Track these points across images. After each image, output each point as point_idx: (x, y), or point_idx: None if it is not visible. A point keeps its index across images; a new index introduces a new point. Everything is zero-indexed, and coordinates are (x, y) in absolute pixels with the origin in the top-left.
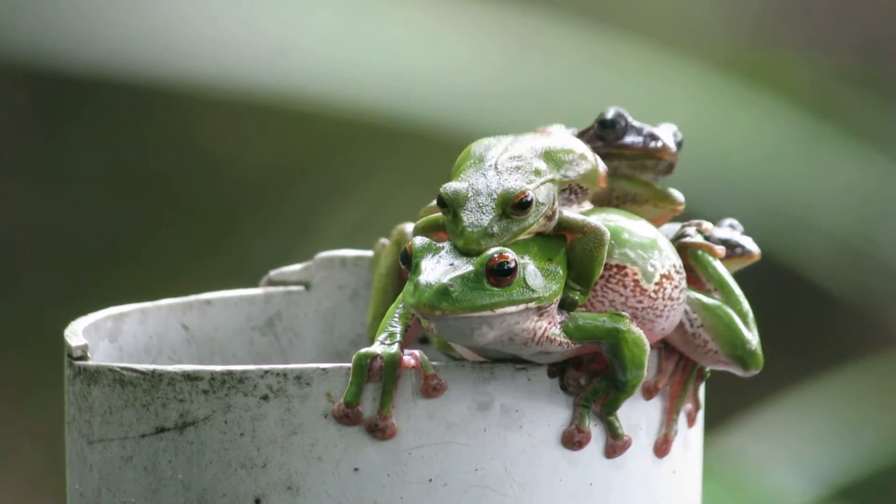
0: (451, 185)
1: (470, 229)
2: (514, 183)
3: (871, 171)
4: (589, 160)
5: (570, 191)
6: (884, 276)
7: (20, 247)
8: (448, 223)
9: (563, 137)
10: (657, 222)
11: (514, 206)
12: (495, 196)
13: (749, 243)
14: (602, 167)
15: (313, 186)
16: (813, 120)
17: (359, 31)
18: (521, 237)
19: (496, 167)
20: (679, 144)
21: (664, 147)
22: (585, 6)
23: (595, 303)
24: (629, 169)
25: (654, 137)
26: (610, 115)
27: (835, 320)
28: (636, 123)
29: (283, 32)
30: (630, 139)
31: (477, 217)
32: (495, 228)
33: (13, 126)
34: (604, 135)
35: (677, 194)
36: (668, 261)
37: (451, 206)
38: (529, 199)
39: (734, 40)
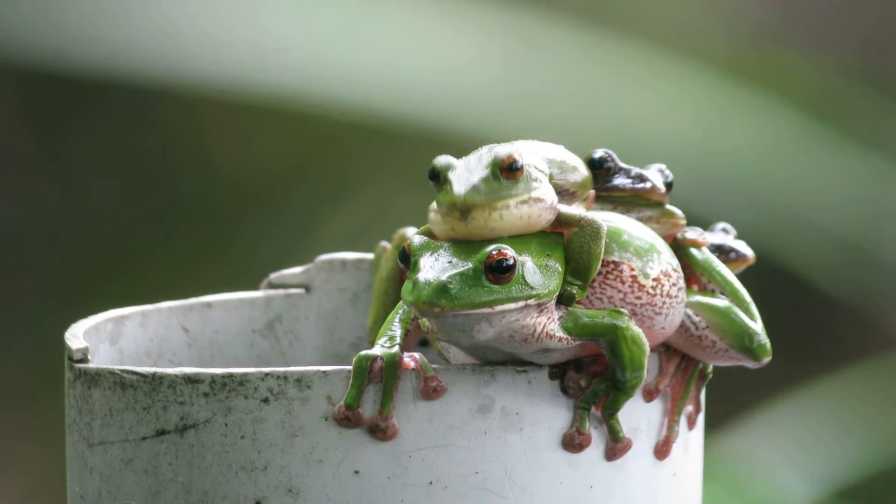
0: (443, 156)
1: (457, 185)
2: (507, 150)
3: (871, 171)
4: (581, 172)
5: (560, 193)
6: (884, 278)
7: (21, 249)
8: (437, 192)
9: (557, 148)
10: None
11: (503, 167)
12: (486, 161)
13: (743, 247)
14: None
15: (314, 189)
16: (813, 120)
17: (361, 32)
18: (518, 231)
19: (490, 149)
20: (669, 185)
21: (653, 188)
22: (586, 8)
23: (594, 299)
24: (619, 210)
25: (642, 179)
26: (597, 155)
27: (834, 322)
28: (624, 165)
29: (285, 34)
30: (619, 181)
31: (465, 176)
32: (483, 186)
33: (14, 127)
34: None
35: (677, 211)
36: (665, 260)
37: (441, 172)
38: (520, 164)
39: (734, 41)
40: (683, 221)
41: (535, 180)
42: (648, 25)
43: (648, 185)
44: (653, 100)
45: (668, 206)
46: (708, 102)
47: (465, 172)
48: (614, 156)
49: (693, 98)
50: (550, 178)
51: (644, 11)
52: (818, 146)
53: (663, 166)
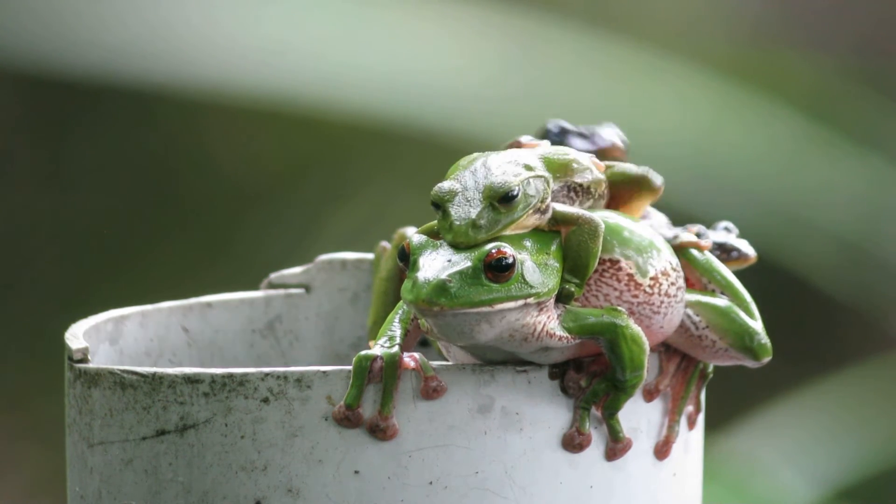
0: (441, 185)
1: (458, 222)
2: (501, 177)
3: (871, 171)
4: (595, 174)
5: (572, 190)
6: (884, 278)
7: (21, 249)
8: (439, 221)
9: (567, 149)
10: (639, 206)
11: (499, 200)
12: (482, 189)
13: (745, 246)
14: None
15: (314, 190)
16: (812, 120)
17: (360, 35)
18: (514, 230)
19: (486, 164)
20: (624, 143)
21: (613, 146)
22: (585, 9)
23: (590, 297)
24: None
25: (598, 137)
26: (553, 127)
27: (835, 322)
28: (576, 128)
29: (283, 37)
30: (577, 143)
31: (465, 210)
32: (483, 221)
33: (15, 130)
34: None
35: (654, 175)
36: (664, 259)
37: (440, 203)
38: (515, 192)
39: (734, 41)
40: (660, 188)
41: (532, 196)
42: (648, 26)
43: (607, 142)
44: (652, 100)
45: (647, 174)
46: (708, 102)
47: (464, 203)
48: (565, 124)
49: (693, 98)
50: (566, 173)
51: (644, 12)
52: (818, 146)
53: (616, 128)
